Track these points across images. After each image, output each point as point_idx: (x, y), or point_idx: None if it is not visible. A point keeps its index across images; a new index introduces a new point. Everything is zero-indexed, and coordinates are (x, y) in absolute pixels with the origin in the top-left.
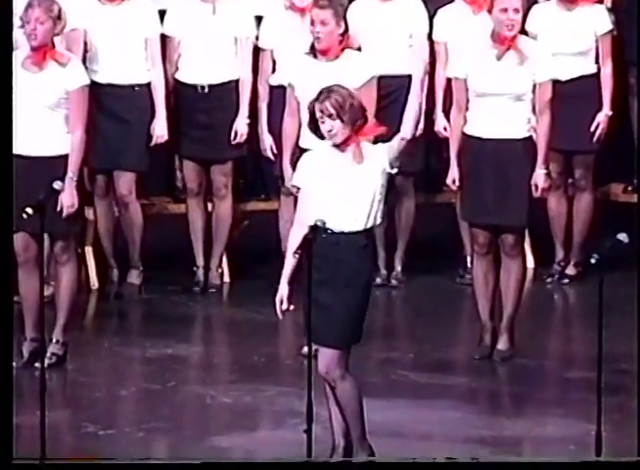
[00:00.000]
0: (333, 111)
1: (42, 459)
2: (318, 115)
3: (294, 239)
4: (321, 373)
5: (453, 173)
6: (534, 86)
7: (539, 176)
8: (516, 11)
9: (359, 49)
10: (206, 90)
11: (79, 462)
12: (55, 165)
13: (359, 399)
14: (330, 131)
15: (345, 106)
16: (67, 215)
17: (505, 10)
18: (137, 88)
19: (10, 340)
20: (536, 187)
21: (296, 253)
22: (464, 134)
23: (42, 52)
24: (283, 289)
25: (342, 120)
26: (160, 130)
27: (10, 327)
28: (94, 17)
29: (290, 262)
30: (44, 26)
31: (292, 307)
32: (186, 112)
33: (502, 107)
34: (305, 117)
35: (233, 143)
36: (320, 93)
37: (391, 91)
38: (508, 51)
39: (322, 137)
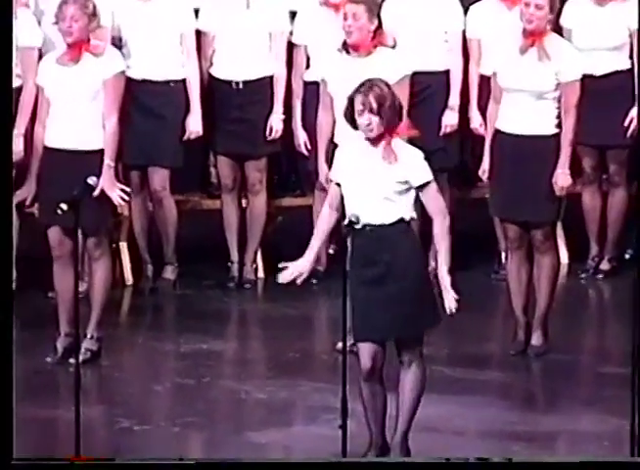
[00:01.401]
0: (375, 105)
1: (77, 454)
2: (359, 107)
3: (322, 222)
4: (366, 367)
5: (485, 165)
6: (558, 85)
7: (560, 176)
8: (538, 7)
9: (394, 46)
10: (241, 86)
11: (80, 462)
12: (90, 160)
13: (423, 389)
14: (368, 125)
15: (386, 103)
16: (117, 203)
17: (527, 4)
18: (172, 84)
19: (10, 340)
20: (557, 186)
21: (330, 248)
22: (495, 129)
23: (78, 47)
24: (303, 266)
25: (381, 117)
26: (194, 126)
27: (10, 327)
28: (128, 12)
29: (316, 244)
30: (79, 24)
31: (298, 282)
32: (220, 107)
33: (527, 103)
34: (339, 113)
35: (268, 139)
36: (362, 85)
37: (426, 87)
38: (532, 47)
39: (356, 127)
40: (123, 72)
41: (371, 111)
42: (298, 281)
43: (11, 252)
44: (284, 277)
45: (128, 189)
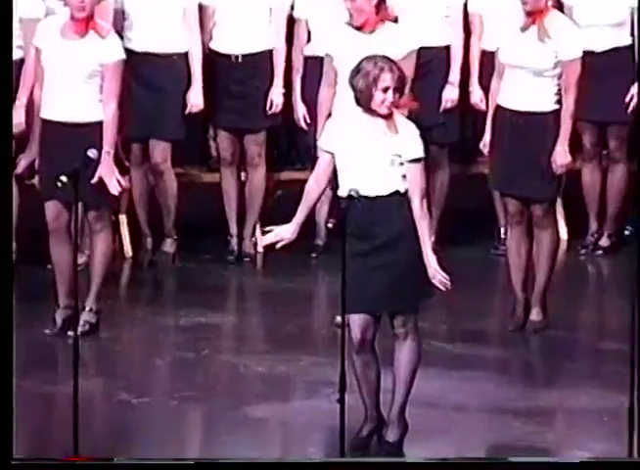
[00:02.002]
0: (399, 85)
1: (75, 429)
2: (387, 84)
3: (309, 194)
4: (357, 339)
5: (486, 138)
6: (557, 63)
7: (559, 153)
8: None
9: (396, 20)
10: (240, 60)
11: (80, 462)
12: (89, 133)
13: (418, 362)
14: (388, 102)
15: (405, 81)
16: (112, 191)
17: None
18: (175, 57)
19: (10, 340)
20: (556, 163)
21: (329, 222)
22: (496, 104)
23: (85, 22)
24: (285, 232)
25: (400, 95)
26: (195, 99)
27: (10, 327)
28: None
29: (301, 215)
30: None
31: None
32: (220, 81)
33: (526, 80)
34: (341, 88)
35: (267, 113)
36: (381, 62)
37: (426, 62)
38: (533, 25)
39: (370, 99)
40: (123, 60)
41: (395, 90)
42: (278, 246)
43: (11, 226)
44: (264, 240)
45: (123, 182)
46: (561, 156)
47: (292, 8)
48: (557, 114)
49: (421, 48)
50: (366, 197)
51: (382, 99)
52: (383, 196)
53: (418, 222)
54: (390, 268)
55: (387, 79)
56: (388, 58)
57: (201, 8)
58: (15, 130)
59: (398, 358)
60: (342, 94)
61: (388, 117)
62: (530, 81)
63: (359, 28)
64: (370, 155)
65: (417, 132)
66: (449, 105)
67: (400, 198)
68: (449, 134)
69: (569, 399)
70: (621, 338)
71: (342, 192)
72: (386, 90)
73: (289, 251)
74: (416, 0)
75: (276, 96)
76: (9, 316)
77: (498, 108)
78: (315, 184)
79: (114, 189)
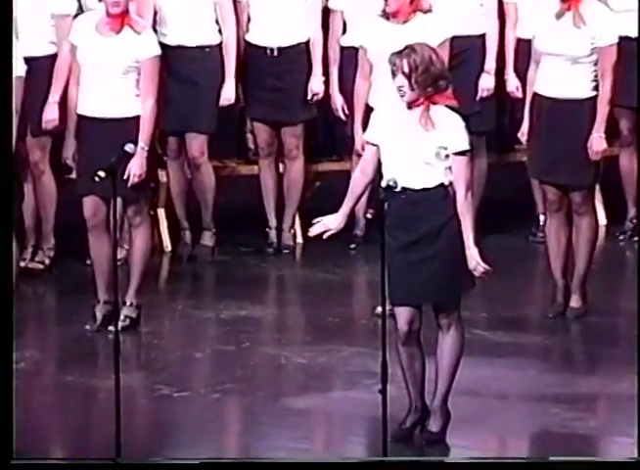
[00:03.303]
0: (406, 69)
1: (117, 426)
2: (392, 68)
3: (355, 186)
4: (403, 330)
5: (524, 127)
6: (594, 49)
7: (595, 140)
8: None
9: (430, 10)
10: (275, 53)
11: (81, 462)
12: (126, 128)
13: (461, 352)
14: (400, 87)
15: (419, 69)
16: (132, 184)
17: None
18: (207, 49)
19: (10, 339)
20: (592, 150)
21: (368, 212)
22: (533, 92)
23: (120, 18)
24: (332, 222)
25: (411, 82)
26: (227, 93)
27: (10, 325)
28: None
29: (347, 206)
30: None
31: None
32: (256, 74)
33: (562, 67)
34: (378, 79)
35: (304, 104)
36: (405, 48)
37: (462, 51)
38: (568, 11)
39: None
40: (159, 56)
41: (402, 72)
42: (325, 236)
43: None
44: (312, 231)
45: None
46: (597, 142)
47: None
48: (594, 100)
49: (456, 37)
50: (411, 189)
51: (395, 84)
52: (428, 188)
53: (462, 215)
54: (433, 260)
55: (392, 62)
56: (411, 44)
57: (234, 1)
58: (49, 127)
59: (442, 349)
60: (379, 86)
61: (424, 111)
62: (567, 68)
63: (393, 18)
64: (414, 147)
65: (462, 124)
66: (486, 93)
67: (445, 190)
68: (486, 123)
69: (609, 385)
70: None
71: (383, 183)
72: (394, 75)
73: (328, 242)
74: None
75: (316, 86)
76: (9, 315)
77: (535, 95)
78: (361, 176)
79: (134, 180)
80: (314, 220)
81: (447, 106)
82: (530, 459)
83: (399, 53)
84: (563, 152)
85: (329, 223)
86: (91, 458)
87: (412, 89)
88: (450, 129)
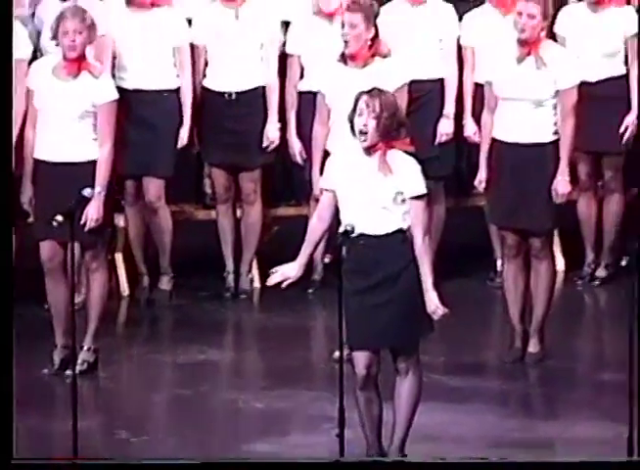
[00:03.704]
0: (377, 109)
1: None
2: (362, 106)
3: (313, 232)
4: (361, 375)
5: (481, 175)
6: (556, 92)
7: (560, 182)
8: (530, 16)
9: (388, 55)
10: (234, 97)
11: (80, 462)
12: (83, 172)
13: (419, 397)
14: (364, 125)
15: (388, 111)
16: (89, 228)
17: (520, 14)
18: (165, 94)
19: (10, 339)
20: (557, 193)
21: (325, 257)
22: (492, 137)
23: (77, 62)
24: (290, 271)
25: (378, 123)
26: (184, 134)
27: (10, 324)
28: (123, 23)
29: (305, 253)
30: (82, 37)
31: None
32: (214, 119)
33: (524, 111)
34: (336, 125)
35: (262, 149)
36: (373, 89)
37: (421, 95)
38: (528, 56)
39: (354, 133)
40: (116, 100)
41: (372, 112)
42: (284, 285)
43: (11, 261)
44: (270, 280)
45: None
46: (562, 185)
47: (283, 44)
48: (556, 144)
49: (415, 81)
50: (369, 235)
51: (358, 124)
52: (386, 234)
53: (420, 258)
54: (392, 305)
55: (363, 101)
56: (379, 88)
57: (191, 46)
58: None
59: (399, 393)
60: (337, 131)
61: (381, 155)
62: (530, 112)
63: (351, 62)
64: (372, 193)
65: (418, 168)
66: (445, 138)
67: (403, 235)
68: (445, 167)
69: (568, 429)
70: (619, 368)
71: (340, 228)
72: (361, 113)
73: (281, 286)
74: (410, 33)
75: (272, 132)
76: (9, 313)
77: (494, 141)
78: (318, 222)
79: (90, 225)
80: (272, 270)
81: (403, 150)
82: (530, 459)
83: (369, 93)
84: (524, 197)
85: (287, 272)
86: (91, 458)
87: (377, 131)
88: (407, 174)
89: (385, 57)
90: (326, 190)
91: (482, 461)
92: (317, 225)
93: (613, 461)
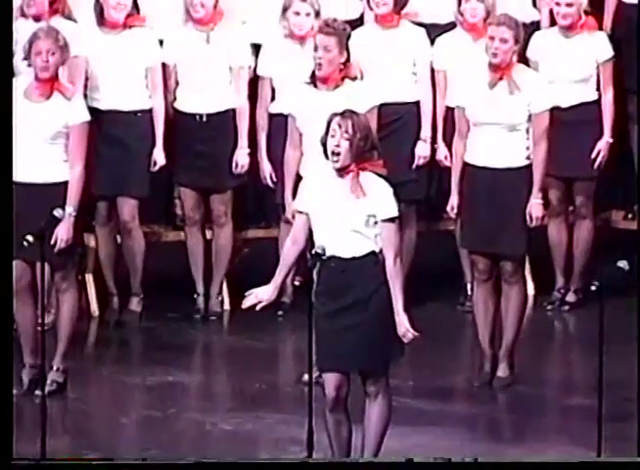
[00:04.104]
0: (350, 131)
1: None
2: (334, 127)
3: (287, 255)
4: (331, 397)
5: (453, 201)
6: (530, 116)
7: (535, 206)
8: (502, 41)
9: (358, 77)
10: (204, 119)
11: (79, 462)
12: (54, 193)
13: (388, 421)
14: (337, 146)
15: (361, 133)
16: (59, 249)
17: (492, 38)
18: (139, 114)
19: (11, 340)
20: (531, 216)
21: (296, 280)
22: (464, 162)
23: (50, 83)
24: (264, 294)
25: (351, 144)
26: (157, 156)
27: (10, 327)
28: (96, 44)
29: (279, 276)
30: (55, 57)
31: (257, 308)
32: (185, 140)
33: (498, 136)
34: (307, 147)
35: (232, 173)
36: (345, 111)
37: (395, 119)
38: (501, 80)
39: (327, 156)
40: (88, 122)
41: (345, 133)
42: (258, 307)
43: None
44: (245, 303)
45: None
46: (536, 209)
47: (255, 67)
48: (529, 168)
49: (389, 104)
50: (341, 258)
51: (330, 146)
52: (358, 257)
53: (391, 280)
54: (362, 327)
55: (336, 122)
56: (351, 110)
57: (163, 66)
58: None
59: (369, 416)
60: (309, 154)
61: (353, 177)
62: (503, 137)
63: (322, 85)
64: (344, 215)
65: (390, 190)
66: (422, 161)
67: (375, 258)
68: (418, 191)
69: (535, 454)
70: (588, 394)
71: (311, 250)
72: (334, 134)
73: (255, 309)
74: (383, 57)
75: (241, 157)
76: (9, 309)
77: (467, 166)
78: (292, 245)
79: (60, 246)
80: (247, 293)
81: (375, 173)
82: (529, 460)
83: (342, 114)
84: (497, 221)
85: (261, 294)
86: (91, 458)
87: (350, 152)
88: (379, 196)
89: (354, 79)
90: (299, 212)
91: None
92: (291, 248)
93: (613, 461)
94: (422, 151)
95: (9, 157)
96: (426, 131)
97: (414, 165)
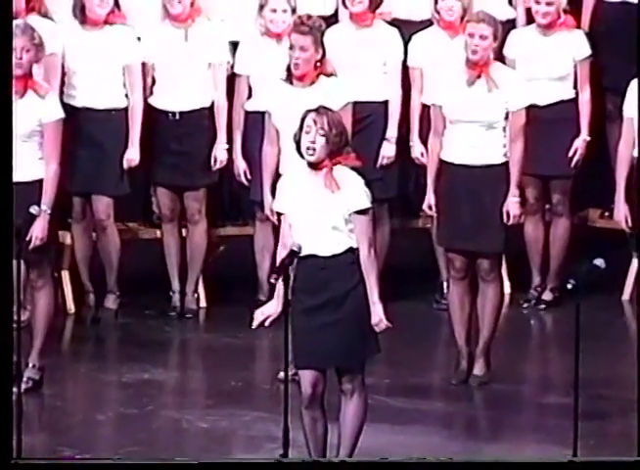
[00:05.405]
0: (326, 127)
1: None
2: (309, 123)
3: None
4: (307, 394)
5: (429, 199)
6: (507, 114)
7: (512, 204)
8: (482, 37)
9: (333, 74)
10: (177, 117)
11: (78, 462)
12: (30, 191)
13: (364, 419)
14: (312, 142)
15: (336, 129)
16: (34, 247)
17: (471, 35)
18: (114, 112)
19: (11, 339)
20: (508, 214)
21: (272, 278)
22: (440, 160)
23: (23, 81)
24: (270, 309)
25: (327, 141)
26: (131, 154)
27: (10, 325)
28: (75, 41)
29: (282, 288)
30: (29, 54)
31: (266, 324)
32: (159, 138)
33: (475, 133)
34: (284, 144)
35: (207, 170)
36: (319, 107)
37: (364, 117)
38: (479, 78)
39: (301, 153)
40: (62, 119)
41: (321, 130)
42: (267, 323)
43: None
44: (254, 322)
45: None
46: (513, 206)
47: (232, 64)
48: (506, 166)
49: (359, 103)
50: (319, 256)
51: (305, 142)
52: (337, 254)
53: (366, 271)
54: (339, 325)
55: (310, 118)
56: (324, 106)
57: (141, 64)
58: None
59: (345, 414)
60: (287, 151)
61: (327, 172)
62: (481, 134)
63: (298, 81)
64: (321, 212)
65: (361, 182)
66: (386, 161)
67: (353, 255)
68: (388, 189)
69: (511, 452)
70: (564, 391)
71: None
72: (309, 131)
73: (231, 306)
74: (353, 56)
75: (220, 152)
76: (9, 314)
77: (444, 163)
78: (283, 250)
79: (35, 243)
80: (256, 311)
81: (350, 167)
82: (527, 460)
83: (316, 110)
84: (475, 219)
85: (268, 310)
86: (91, 458)
87: (326, 149)
88: (351, 189)
89: (330, 76)
90: (283, 214)
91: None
92: (283, 253)
93: (554, 462)
94: (386, 151)
95: (8, 157)
96: (392, 131)
97: (378, 165)
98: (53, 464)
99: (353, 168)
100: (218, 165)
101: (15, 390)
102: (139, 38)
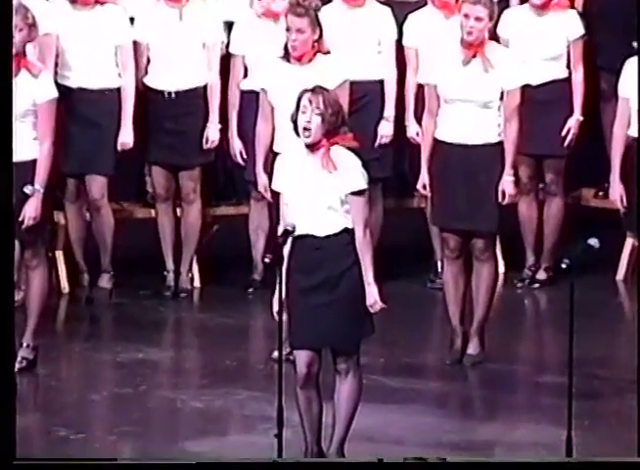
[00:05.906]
0: (322, 106)
1: (12, 463)
2: (305, 103)
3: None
4: (302, 373)
5: (424, 178)
6: (502, 94)
7: (507, 183)
8: (477, 19)
9: (329, 52)
10: (173, 96)
11: (78, 462)
12: (24, 170)
13: (359, 398)
14: (308, 122)
15: (332, 108)
16: (27, 227)
17: (467, 16)
18: (107, 92)
19: (12, 339)
20: (504, 193)
21: (266, 257)
22: (434, 139)
23: (17, 60)
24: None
25: (323, 120)
26: (125, 137)
27: (11, 325)
28: (67, 21)
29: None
30: (21, 34)
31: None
32: (154, 117)
33: (470, 113)
34: (279, 122)
35: (201, 149)
36: (315, 87)
37: (360, 97)
38: (474, 58)
39: (298, 133)
40: (56, 99)
41: (316, 109)
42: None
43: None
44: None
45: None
46: (508, 186)
47: (227, 44)
48: (501, 145)
49: (355, 82)
50: (315, 236)
51: (301, 122)
52: (332, 234)
53: (361, 252)
54: (334, 305)
55: (306, 98)
56: (320, 86)
57: (134, 44)
58: None
59: (339, 394)
60: (282, 131)
61: (325, 152)
62: (477, 114)
63: (295, 60)
64: (318, 193)
65: (359, 164)
66: (384, 140)
67: (349, 236)
68: (384, 169)
69: (506, 432)
70: (558, 371)
71: (280, 228)
72: (305, 110)
73: (225, 286)
74: (348, 35)
75: (212, 132)
76: (9, 313)
77: (438, 142)
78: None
79: (27, 223)
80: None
81: (347, 147)
82: (527, 460)
83: (312, 90)
84: (469, 198)
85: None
86: (91, 458)
87: (322, 128)
88: (348, 170)
89: (327, 54)
90: (283, 199)
91: (478, 462)
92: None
93: (551, 462)
94: (385, 130)
95: (9, 155)
96: (389, 110)
97: (376, 144)
98: (53, 464)
99: (350, 149)
100: (210, 145)
101: None
102: (132, 18)
